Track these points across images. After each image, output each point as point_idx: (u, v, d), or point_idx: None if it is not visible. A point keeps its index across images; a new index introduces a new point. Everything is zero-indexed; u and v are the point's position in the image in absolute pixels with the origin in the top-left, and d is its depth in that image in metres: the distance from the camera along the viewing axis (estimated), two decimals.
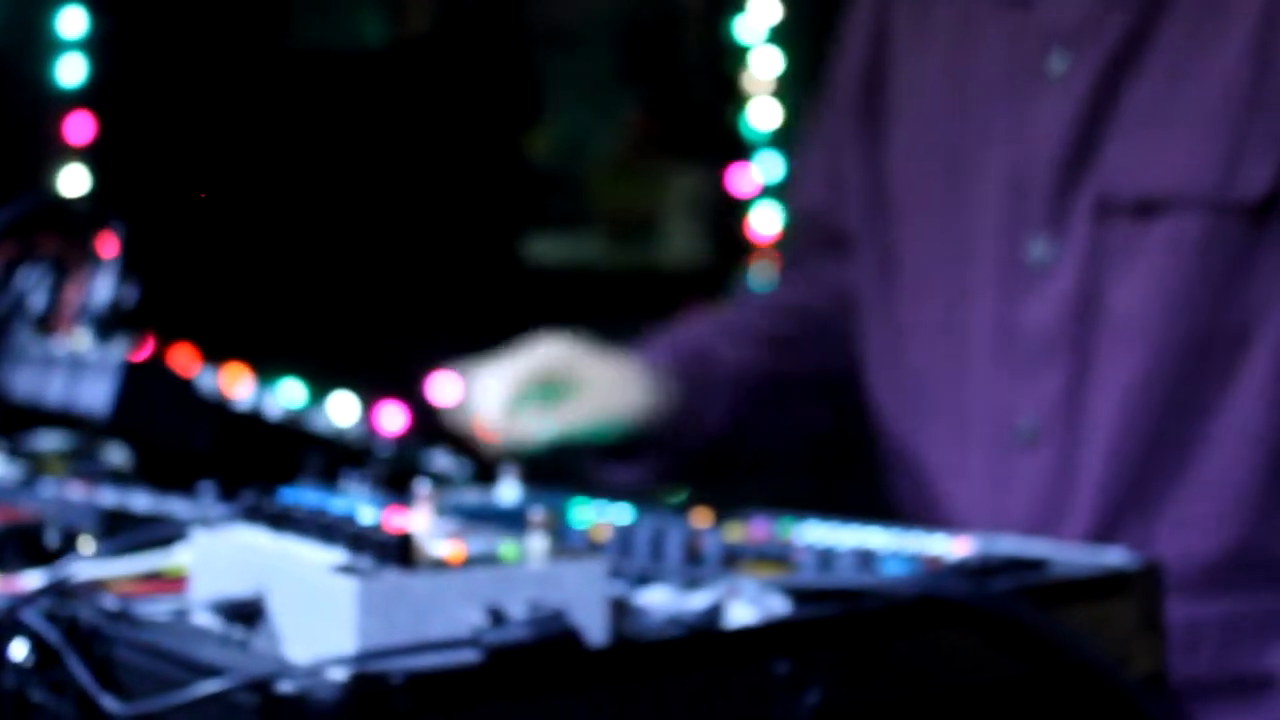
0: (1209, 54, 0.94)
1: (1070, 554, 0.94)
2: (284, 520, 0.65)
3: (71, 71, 3.10)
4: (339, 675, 0.52)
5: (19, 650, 0.68)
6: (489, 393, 0.93)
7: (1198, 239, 0.94)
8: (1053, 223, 0.96)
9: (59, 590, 0.70)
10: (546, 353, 0.92)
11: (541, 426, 0.91)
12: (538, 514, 0.63)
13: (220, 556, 0.65)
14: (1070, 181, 0.95)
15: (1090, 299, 0.96)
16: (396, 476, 0.83)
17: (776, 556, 0.90)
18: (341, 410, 1.05)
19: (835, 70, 1.11)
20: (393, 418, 3.72)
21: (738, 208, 2.20)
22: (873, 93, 1.05)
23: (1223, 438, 0.95)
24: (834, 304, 1.09)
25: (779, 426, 1.06)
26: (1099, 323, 0.95)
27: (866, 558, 0.87)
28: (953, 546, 0.94)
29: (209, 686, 0.54)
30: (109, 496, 0.84)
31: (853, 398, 1.08)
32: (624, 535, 0.86)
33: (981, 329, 0.98)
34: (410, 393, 4.02)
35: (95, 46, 3.13)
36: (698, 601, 0.72)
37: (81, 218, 3.10)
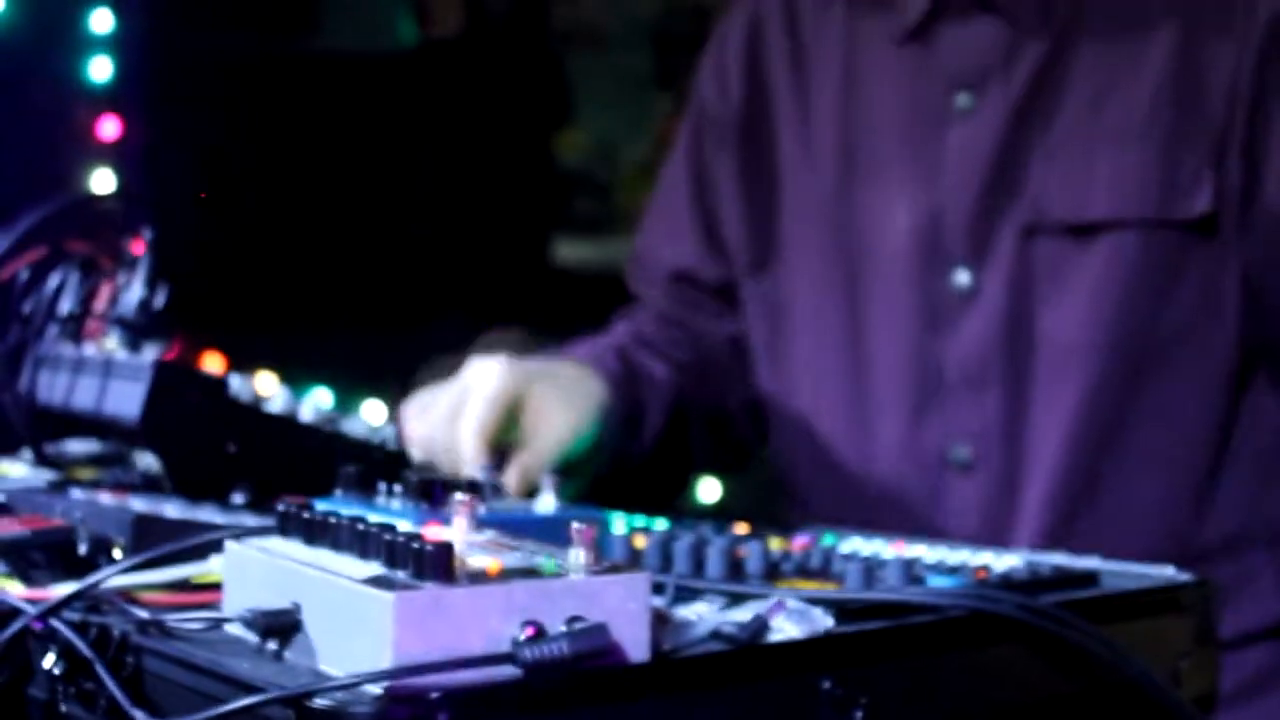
0: (1131, 75, 0.95)
1: (1120, 568, 0.92)
2: (320, 531, 0.63)
3: (101, 70, 3.12)
4: (375, 690, 0.51)
5: (49, 660, 0.67)
6: (461, 445, 0.88)
7: (1133, 259, 0.95)
8: (975, 251, 0.98)
9: (89, 599, 0.69)
10: (497, 387, 0.86)
11: (512, 481, 0.87)
12: (578, 526, 0.60)
13: (254, 567, 0.64)
14: (992, 209, 0.96)
15: (1020, 323, 0.96)
16: (431, 486, 0.82)
17: (819, 570, 0.88)
18: (373, 417, 1.03)
19: (698, 123, 1.10)
20: None
21: None
22: (751, 145, 1.05)
23: (1160, 449, 0.97)
24: (726, 348, 1.09)
25: (698, 448, 1.05)
26: (1032, 347, 0.96)
27: (911, 570, 0.85)
28: (1000, 560, 0.91)
29: (242, 701, 0.53)
30: (140, 504, 0.83)
31: (746, 431, 1.07)
32: (664, 548, 0.84)
33: (889, 367, 0.99)
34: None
35: (123, 45, 3.15)
36: (741, 616, 0.70)
37: (111, 219, 3.13)
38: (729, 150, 1.10)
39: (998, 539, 0.96)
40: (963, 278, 0.99)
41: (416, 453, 0.91)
